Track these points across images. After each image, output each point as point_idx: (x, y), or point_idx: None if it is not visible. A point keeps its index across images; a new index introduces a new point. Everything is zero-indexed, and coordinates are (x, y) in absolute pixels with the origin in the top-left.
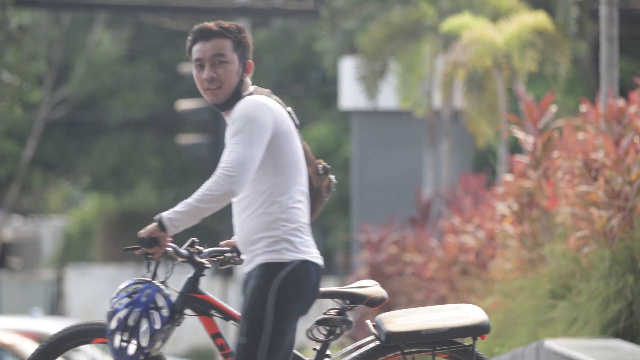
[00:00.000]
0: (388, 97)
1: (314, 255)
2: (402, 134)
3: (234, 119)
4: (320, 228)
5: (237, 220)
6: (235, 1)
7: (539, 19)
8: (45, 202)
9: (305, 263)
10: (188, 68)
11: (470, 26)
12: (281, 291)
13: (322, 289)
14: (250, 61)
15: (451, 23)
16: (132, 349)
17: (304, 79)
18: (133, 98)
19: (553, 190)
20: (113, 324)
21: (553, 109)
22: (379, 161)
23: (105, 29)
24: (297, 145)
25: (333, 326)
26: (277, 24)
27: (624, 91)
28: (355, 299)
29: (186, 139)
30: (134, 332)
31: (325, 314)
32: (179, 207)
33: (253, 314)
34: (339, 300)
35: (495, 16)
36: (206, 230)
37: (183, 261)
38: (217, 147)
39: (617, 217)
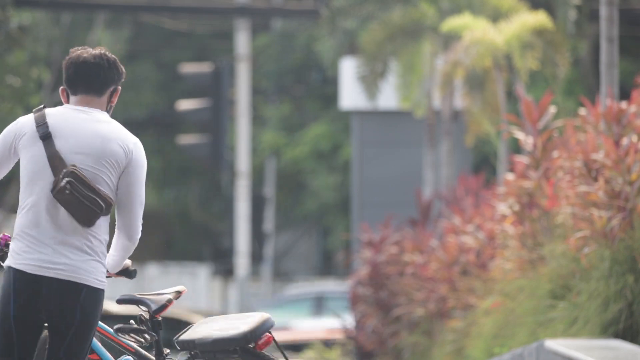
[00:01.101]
0: (388, 97)
1: (19, 262)
2: (402, 134)
3: None
4: (321, 228)
5: None
6: (235, 1)
7: (539, 19)
8: None
9: (9, 269)
10: (188, 68)
11: (470, 26)
12: None
13: (125, 295)
14: (62, 87)
15: (451, 23)
16: None
17: (304, 80)
18: (133, 98)
19: (553, 190)
20: None
21: (552, 109)
22: (379, 161)
23: (105, 29)
24: (32, 157)
25: (130, 334)
26: (277, 25)
27: (624, 91)
28: (146, 306)
29: (186, 139)
30: None
31: (137, 318)
32: None
33: None
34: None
35: (495, 16)
36: (207, 230)
37: None
38: (217, 147)
39: (617, 218)
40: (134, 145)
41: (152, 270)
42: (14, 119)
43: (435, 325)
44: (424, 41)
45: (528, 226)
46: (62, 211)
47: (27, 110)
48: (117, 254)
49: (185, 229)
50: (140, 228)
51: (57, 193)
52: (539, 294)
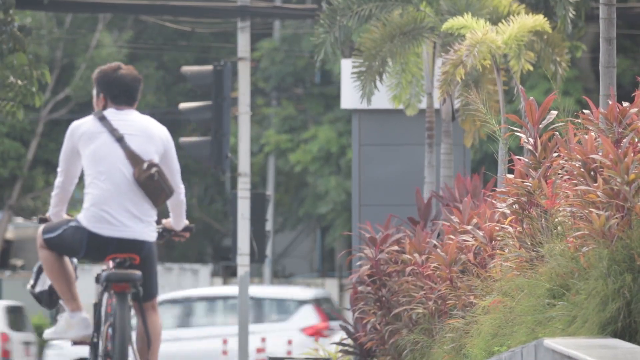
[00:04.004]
0: (388, 96)
1: (95, 227)
2: (402, 133)
3: None
4: (321, 228)
5: None
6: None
7: (538, 20)
8: (47, 202)
9: (84, 229)
10: (189, 68)
11: (470, 27)
12: None
13: None
14: (100, 96)
15: (451, 23)
16: None
17: (307, 81)
18: None
19: (552, 189)
20: None
21: (554, 110)
22: (379, 160)
23: (106, 29)
24: (96, 147)
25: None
26: (279, 27)
27: (622, 91)
28: None
29: (187, 138)
30: None
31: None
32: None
33: None
34: None
35: (494, 17)
36: (212, 229)
37: None
38: (219, 147)
39: (616, 217)
40: (166, 132)
41: None
42: (15, 119)
43: (435, 324)
44: (422, 41)
45: (527, 225)
46: (138, 194)
47: (28, 111)
48: (174, 214)
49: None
50: (182, 188)
51: (146, 179)
52: (538, 293)
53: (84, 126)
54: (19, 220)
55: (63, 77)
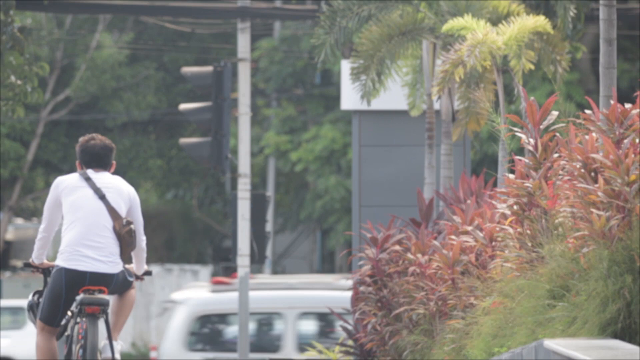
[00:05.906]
0: (388, 97)
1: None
2: (402, 133)
3: None
4: (321, 229)
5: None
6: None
7: (539, 21)
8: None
9: (61, 269)
10: (189, 69)
11: (470, 28)
12: None
13: None
14: (77, 161)
15: (451, 24)
16: None
17: (307, 81)
18: (134, 99)
19: (553, 190)
20: None
21: (555, 111)
22: (379, 161)
23: (107, 30)
24: (76, 198)
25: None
26: (280, 28)
27: (621, 93)
28: None
29: (187, 139)
30: None
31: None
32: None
33: None
34: None
35: (494, 17)
36: (212, 230)
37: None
38: (219, 148)
39: (616, 218)
40: (133, 190)
41: (153, 270)
42: (15, 118)
43: (436, 325)
44: (421, 42)
45: (527, 226)
46: (111, 240)
47: (29, 111)
48: (138, 260)
49: (186, 230)
50: (144, 239)
51: (125, 233)
52: (538, 294)
53: (67, 181)
54: (19, 221)
55: (63, 78)
